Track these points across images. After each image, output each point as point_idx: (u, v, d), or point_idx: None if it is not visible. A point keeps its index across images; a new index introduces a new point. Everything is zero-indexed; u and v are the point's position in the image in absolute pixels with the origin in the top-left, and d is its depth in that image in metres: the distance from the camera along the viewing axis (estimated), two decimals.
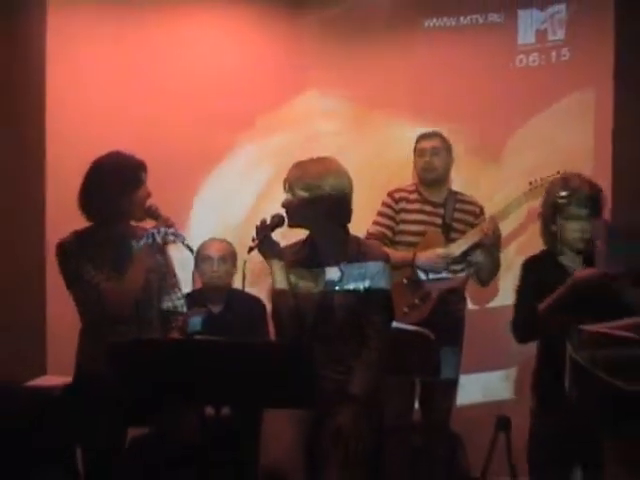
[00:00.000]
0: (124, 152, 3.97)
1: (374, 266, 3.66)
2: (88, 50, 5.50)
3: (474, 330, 5.08)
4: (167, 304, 4.06)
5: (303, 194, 3.67)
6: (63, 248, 3.93)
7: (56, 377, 4.60)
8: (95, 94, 5.50)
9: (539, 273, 3.97)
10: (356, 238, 3.77)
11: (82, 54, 5.51)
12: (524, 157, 5.11)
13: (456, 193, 4.96)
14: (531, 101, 5.33)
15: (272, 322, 3.78)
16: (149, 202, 3.93)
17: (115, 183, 3.91)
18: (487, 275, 4.89)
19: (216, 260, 5.05)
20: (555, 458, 3.90)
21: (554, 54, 5.23)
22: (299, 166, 3.74)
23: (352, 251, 3.69)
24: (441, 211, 4.88)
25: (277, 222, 3.70)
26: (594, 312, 3.66)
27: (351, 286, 3.63)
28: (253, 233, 3.70)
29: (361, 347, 3.60)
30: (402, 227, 4.86)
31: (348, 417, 3.57)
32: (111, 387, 3.38)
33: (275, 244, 3.72)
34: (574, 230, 3.97)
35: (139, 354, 3.33)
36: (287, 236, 3.93)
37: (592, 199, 3.93)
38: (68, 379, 4.09)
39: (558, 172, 4.54)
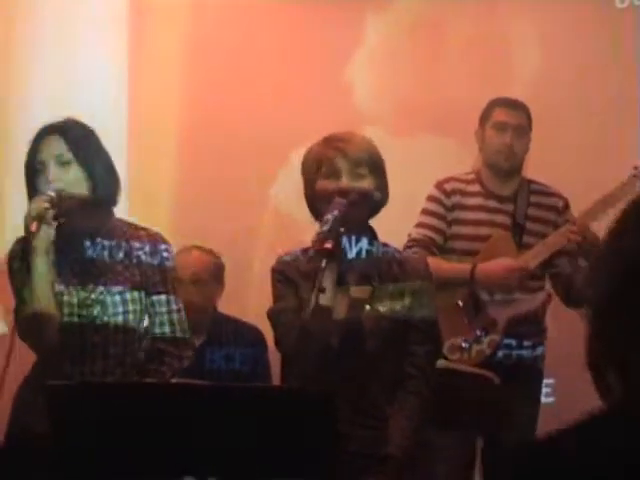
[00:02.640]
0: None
1: (413, 282, 3.29)
2: None
3: (559, 369, 4.62)
4: (156, 329, 3.44)
5: (370, 177, 3.23)
6: (11, 250, 3.43)
7: None
8: None
9: None
10: (388, 246, 3.40)
11: None
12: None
13: (530, 182, 4.33)
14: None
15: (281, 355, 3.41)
16: (35, 208, 3.28)
17: (26, 157, 3.42)
18: (580, 290, 4.24)
19: (189, 283, 4.27)
20: None
21: None
22: (345, 140, 3.26)
23: (385, 262, 3.31)
24: (510, 207, 4.27)
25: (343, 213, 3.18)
26: None
27: (384, 308, 3.25)
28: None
29: (397, 390, 3.23)
30: (456, 229, 4.25)
31: None
32: (55, 448, 2.85)
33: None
34: None
35: (89, 402, 2.84)
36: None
37: None
38: None
39: None
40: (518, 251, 4.23)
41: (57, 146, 3.34)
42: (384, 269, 3.27)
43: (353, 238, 3.26)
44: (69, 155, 3.33)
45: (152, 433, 2.78)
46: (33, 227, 3.19)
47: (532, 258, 4.22)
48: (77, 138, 3.36)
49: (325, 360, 3.22)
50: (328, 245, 3.10)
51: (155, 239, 3.46)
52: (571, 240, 4.16)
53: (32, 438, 3.25)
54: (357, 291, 3.26)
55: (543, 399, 4.59)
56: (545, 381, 4.59)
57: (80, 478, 3.00)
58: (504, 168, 4.24)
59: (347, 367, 3.21)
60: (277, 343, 3.33)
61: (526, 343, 4.23)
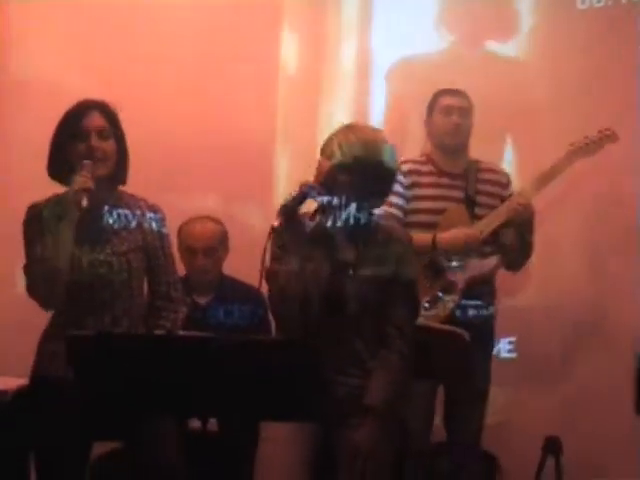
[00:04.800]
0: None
1: (397, 249, 3.36)
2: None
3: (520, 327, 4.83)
4: (154, 287, 3.63)
5: (362, 164, 3.32)
6: (26, 214, 3.52)
7: (7, 378, 4.26)
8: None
9: None
10: (375, 215, 3.48)
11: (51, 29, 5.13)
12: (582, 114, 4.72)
13: (477, 161, 4.51)
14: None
15: (271, 312, 3.54)
16: (82, 183, 3.42)
17: (56, 131, 3.51)
18: (518, 258, 4.47)
19: (200, 252, 4.53)
20: None
21: None
22: (355, 130, 3.38)
23: (371, 229, 3.39)
24: (462, 183, 4.45)
25: (306, 195, 3.30)
26: None
27: (368, 271, 3.31)
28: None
29: (380, 347, 3.30)
30: (415, 205, 4.43)
31: (366, 434, 3.22)
32: (74, 392, 3.03)
33: (301, 226, 3.33)
34: None
35: (106, 351, 2.96)
36: None
37: None
38: (22, 381, 3.73)
39: (607, 129, 4.45)
40: (471, 222, 4.39)
41: (99, 120, 3.48)
42: (370, 235, 3.36)
43: (343, 203, 3.36)
44: (108, 130, 3.49)
45: (162, 380, 2.90)
46: (84, 202, 3.37)
47: (484, 227, 4.37)
48: (113, 116, 3.51)
49: (309, 317, 3.30)
50: (275, 223, 3.26)
51: (154, 208, 3.60)
52: (516, 208, 4.33)
53: (53, 382, 3.35)
54: (343, 254, 3.34)
55: (506, 354, 4.78)
56: (508, 338, 4.77)
57: (98, 420, 3.25)
58: (452, 145, 4.43)
59: (330, 325, 3.29)
60: (270, 301, 3.43)
61: (480, 303, 4.38)
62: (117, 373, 2.92)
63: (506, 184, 4.48)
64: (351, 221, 3.36)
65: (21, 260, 3.50)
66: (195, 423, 3.21)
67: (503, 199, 4.42)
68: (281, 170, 5.07)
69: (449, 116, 4.43)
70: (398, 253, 3.34)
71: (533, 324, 4.89)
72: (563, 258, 4.89)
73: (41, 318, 3.55)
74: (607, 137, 4.49)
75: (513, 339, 4.84)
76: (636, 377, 3.05)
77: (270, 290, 3.34)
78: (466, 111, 4.45)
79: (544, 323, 4.86)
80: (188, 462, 3.49)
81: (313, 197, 3.30)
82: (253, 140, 5.03)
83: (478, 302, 4.38)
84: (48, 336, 3.50)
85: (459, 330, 3.89)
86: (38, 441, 3.48)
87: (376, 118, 4.95)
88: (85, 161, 3.39)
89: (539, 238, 4.45)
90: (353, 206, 3.34)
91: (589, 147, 4.47)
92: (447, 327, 3.98)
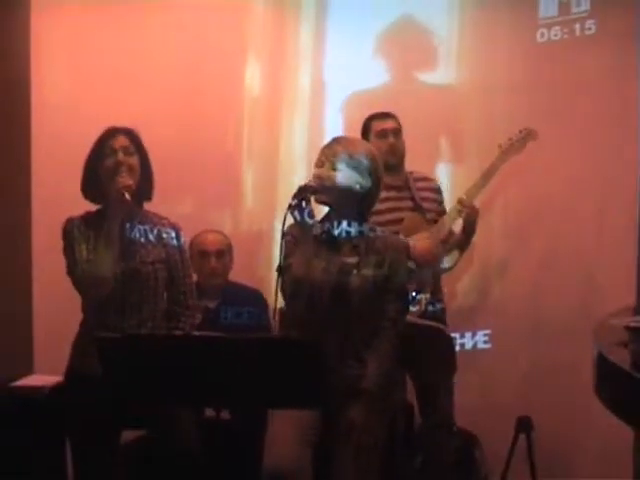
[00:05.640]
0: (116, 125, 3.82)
1: (392, 255, 3.59)
2: (75, 45, 5.35)
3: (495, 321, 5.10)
4: (174, 296, 3.84)
5: (352, 174, 3.58)
6: (64, 226, 3.75)
7: (45, 376, 4.49)
8: (84, 90, 5.33)
9: None
10: (374, 226, 3.71)
11: (69, 50, 5.36)
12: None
13: (411, 172, 4.76)
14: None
15: (285, 302, 3.60)
16: (123, 181, 3.67)
17: (88, 156, 3.77)
18: (462, 252, 4.76)
19: (213, 255, 4.83)
20: None
21: (578, 27, 5.09)
22: (346, 142, 3.63)
23: (371, 237, 3.62)
24: (407, 194, 4.69)
25: (315, 188, 3.53)
26: None
27: (368, 272, 3.54)
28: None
29: (373, 338, 3.52)
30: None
31: (361, 412, 3.46)
32: (104, 386, 3.20)
33: (310, 225, 3.53)
34: None
35: (132, 350, 3.14)
36: None
37: None
38: (58, 378, 3.90)
39: (527, 129, 4.71)
40: (427, 226, 4.63)
41: (123, 141, 3.73)
42: (369, 243, 3.59)
43: (335, 222, 3.62)
44: (132, 148, 3.73)
45: (181, 374, 3.07)
46: (127, 197, 3.62)
47: (440, 229, 4.62)
48: (136, 139, 3.76)
49: (316, 309, 3.46)
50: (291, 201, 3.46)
51: (175, 226, 3.83)
52: (463, 214, 4.59)
53: (85, 379, 3.54)
54: (347, 258, 3.55)
55: (482, 345, 5.02)
56: (483, 331, 5.02)
57: (125, 411, 3.47)
58: (392, 163, 4.58)
59: (335, 318, 3.48)
60: (283, 291, 3.50)
61: (433, 299, 4.56)
62: (141, 370, 3.09)
63: (438, 189, 4.76)
64: (353, 230, 3.60)
65: (61, 267, 3.71)
66: (210, 412, 3.43)
67: (440, 202, 4.71)
68: (247, 179, 5.33)
69: (385, 139, 4.62)
70: (392, 258, 3.58)
71: (507, 317, 5.11)
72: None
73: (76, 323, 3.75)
74: (528, 135, 4.76)
75: (488, 332, 5.12)
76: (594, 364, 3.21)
77: (284, 282, 3.49)
78: (399, 132, 4.66)
79: (515, 318, 5.09)
80: (204, 446, 3.68)
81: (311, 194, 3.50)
82: (223, 152, 5.33)
83: (433, 299, 4.57)
84: (80, 337, 3.71)
85: (441, 325, 4.25)
86: (72, 430, 3.69)
87: (329, 133, 5.07)
88: (122, 168, 3.66)
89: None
90: (351, 214, 3.57)
91: (515, 146, 4.73)
92: (431, 323, 4.25)
